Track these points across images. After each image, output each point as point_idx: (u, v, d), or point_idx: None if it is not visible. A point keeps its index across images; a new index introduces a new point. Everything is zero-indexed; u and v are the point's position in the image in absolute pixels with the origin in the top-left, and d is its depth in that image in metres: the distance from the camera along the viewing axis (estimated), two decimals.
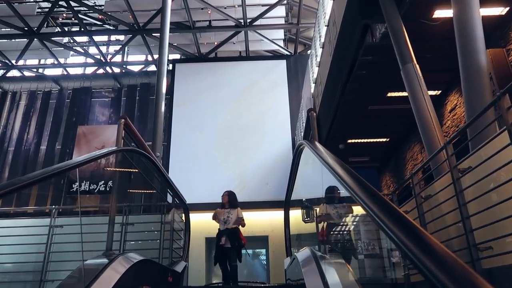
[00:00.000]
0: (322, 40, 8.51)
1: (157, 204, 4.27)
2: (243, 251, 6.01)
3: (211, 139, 15.50)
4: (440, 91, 7.30)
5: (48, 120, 17.14)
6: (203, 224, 14.76)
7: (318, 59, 9.19)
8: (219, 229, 5.90)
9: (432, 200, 3.36)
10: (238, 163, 15.17)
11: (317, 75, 9.52)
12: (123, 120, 2.49)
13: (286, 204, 3.58)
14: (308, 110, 2.50)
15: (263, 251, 15.65)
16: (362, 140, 9.28)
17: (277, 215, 14.77)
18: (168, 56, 18.75)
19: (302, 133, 12.53)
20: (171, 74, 16.61)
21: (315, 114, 2.54)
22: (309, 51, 15.78)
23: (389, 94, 7.23)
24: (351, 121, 8.32)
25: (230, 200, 6.14)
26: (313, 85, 10.12)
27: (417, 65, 4.32)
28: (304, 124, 11.59)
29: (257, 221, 14.49)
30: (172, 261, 3.62)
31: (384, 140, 9.36)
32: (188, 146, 15.49)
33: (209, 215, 14.55)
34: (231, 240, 5.67)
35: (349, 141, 9.26)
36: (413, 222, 1.01)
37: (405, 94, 7.17)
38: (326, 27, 7.89)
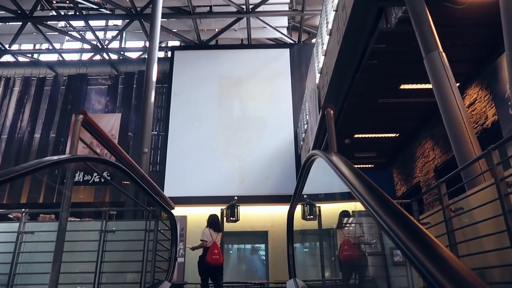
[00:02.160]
0: (330, 26, 7.88)
1: (139, 209, 3.71)
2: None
3: (210, 130, 14.95)
4: (457, 84, 6.70)
5: (43, 108, 16.57)
6: (200, 218, 14.32)
7: (325, 47, 8.58)
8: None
9: (464, 216, 2.81)
10: (238, 155, 14.64)
11: (323, 64, 8.91)
12: (80, 116, 1.92)
13: (289, 218, 3.03)
14: (323, 107, 1.92)
15: (262, 246, 15.20)
16: (370, 135, 8.71)
17: (277, 210, 14.29)
18: (167, 43, 18.20)
19: (306, 130, 11.95)
20: (170, 61, 16.01)
21: (332, 112, 1.97)
22: (314, 40, 15.13)
23: (403, 86, 6.64)
24: (359, 115, 7.75)
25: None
26: (318, 75, 9.51)
27: (444, 53, 3.73)
28: (309, 122, 11.00)
29: (256, 216, 14.02)
30: (154, 281, 3.10)
31: (393, 135, 8.78)
32: (186, 137, 14.94)
33: (207, 209, 14.13)
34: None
35: (356, 136, 8.70)
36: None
37: (420, 86, 6.60)
38: (334, 12, 7.26)
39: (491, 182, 2.41)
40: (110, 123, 15.60)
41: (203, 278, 6.33)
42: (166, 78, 16.11)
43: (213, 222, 6.74)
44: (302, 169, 2.33)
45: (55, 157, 1.64)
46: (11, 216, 9.46)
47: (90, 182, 14.57)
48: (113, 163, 2.24)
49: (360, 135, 8.71)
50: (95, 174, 14.57)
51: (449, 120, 3.39)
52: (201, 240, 6.58)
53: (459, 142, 3.25)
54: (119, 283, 3.59)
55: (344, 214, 6.49)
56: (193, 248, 6.74)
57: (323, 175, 2.52)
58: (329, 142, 1.83)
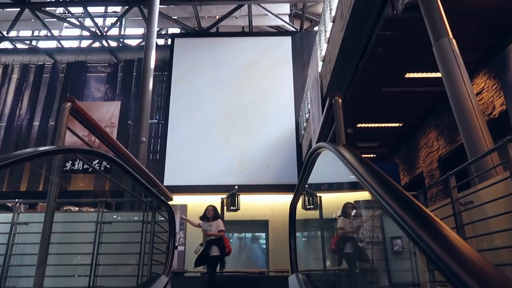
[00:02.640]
0: (333, 13, 7.69)
1: (137, 200, 3.59)
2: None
3: (210, 119, 14.80)
4: None
5: (42, 95, 16.41)
6: (201, 206, 14.25)
7: (328, 35, 8.38)
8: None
9: (474, 210, 2.69)
10: (239, 144, 14.52)
11: (325, 52, 8.73)
12: (68, 104, 1.79)
13: (291, 211, 2.90)
14: (330, 95, 1.77)
15: (263, 235, 15.18)
16: (373, 125, 8.57)
17: (278, 199, 14.23)
18: (167, 30, 17.93)
19: (308, 119, 11.79)
20: (170, 49, 15.79)
21: (340, 100, 1.83)
22: (316, 28, 14.88)
23: (408, 75, 6.47)
24: (362, 104, 7.59)
25: (215, 214, 6.88)
26: (320, 64, 9.33)
27: (454, 40, 3.57)
28: (311, 111, 10.84)
29: (257, 205, 13.97)
30: (151, 275, 2.99)
31: (396, 125, 8.64)
32: (187, 126, 14.81)
33: (207, 198, 14.06)
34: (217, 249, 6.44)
35: (359, 125, 8.55)
36: None
37: (427, 75, 6.43)
38: None
39: (505, 175, 2.28)
40: (110, 111, 15.46)
41: None
42: (166, 66, 15.91)
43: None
44: (307, 162, 2.20)
45: (40, 149, 1.51)
46: (9, 205, 9.39)
47: (90, 170, 14.47)
48: (104, 155, 2.11)
49: (363, 125, 8.56)
50: (94, 162, 14.48)
51: (459, 110, 3.25)
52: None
53: (469, 133, 3.12)
54: (115, 275, 3.50)
55: (350, 205, 6.47)
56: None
57: (327, 166, 2.39)
58: (336, 133, 1.70)
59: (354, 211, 6.14)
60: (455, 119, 3.33)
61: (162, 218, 3.47)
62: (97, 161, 14.58)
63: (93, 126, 2.03)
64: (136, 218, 3.58)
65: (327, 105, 1.92)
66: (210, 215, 6.79)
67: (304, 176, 2.42)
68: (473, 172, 2.98)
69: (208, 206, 7.13)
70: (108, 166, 14.56)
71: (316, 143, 2.09)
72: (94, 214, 3.66)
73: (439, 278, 3.30)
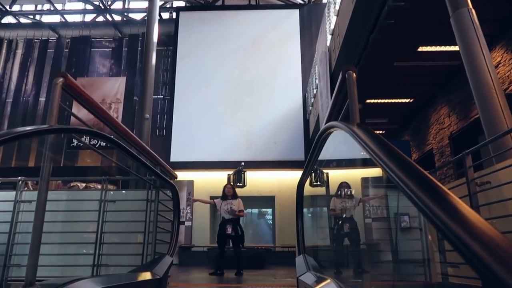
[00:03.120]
0: None
1: (141, 178, 3.51)
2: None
3: (217, 94, 14.62)
4: None
5: (47, 71, 16.28)
6: (207, 183, 14.32)
7: (337, 7, 8.08)
8: (223, 217, 6.52)
9: (491, 191, 2.57)
10: (245, 120, 14.39)
11: (334, 25, 8.44)
12: (60, 79, 1.66)
13: (299, 191, 2.80)
14: (343, 69, 1.63)
15: (269, 211, 15.25)
16: (383, 101, 8.35)
17: (284, 175, 14.20)
18: (172, 3, 17.53)
19: (315, 95, 11.57)
20: (175, 23, 15.48)
21: (354, 75, 1.68)
22: (325, 0, 14.42)
23: (421, 49, 6.23)
24: (372, 79, 7.37)
25: (234, 192, 6.79)
26: (329, 37, 9.05)
27: (473, 10, 3.35)
28: (319, 86, 10.60)
29: (263, 181, 13.97)
30: (155, 255, 2.94)
31: (407, 101, 8.42)
32: (193, 102, 14.67)
33: (214, 174, 14.06)
34: (235, 229, 6.37)
35: (368, 101, 8.34)
36: None
37: (441, 48, 6.18)
38: None
39: None
40: (115, 87, 15.33)
41: None
42: (171, 41, 15.63)
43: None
44: (316, 142, 2.07)
45: (29, 128, 1.40)
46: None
47: (97, 146, 14.48)
48: (99, 134, 1.99)
49: (372, 101, 8.36)
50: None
51: (477, 85, 3.07)
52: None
53: (487, 110, 2.95)
54: (120, 254, 3.46)
55: (344, 185, 6.43)
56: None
57: (338, 146, 2.27)
58: (350, 111, 1.57)
59: (348, 190, 6.07)
60: (472, 94, 3.16)
61: (167, 197, 3.39)
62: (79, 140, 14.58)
63: (88, 102, 1.91)
64: (141, 196, 3.50)
65: (339, 80, 1.77)
66: (229, 193, 6.70)
67: (313, 156, 2.30)
68: (491, 151, 2.84)
69: (226, 185, 7.05)
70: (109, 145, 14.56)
71: (326, 121, 1.96)
72: (98, 192, 3.60)
73: (450, 259, 3.21)
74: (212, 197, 14.03)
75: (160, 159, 3.10)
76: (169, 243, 3.04)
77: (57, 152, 15.31)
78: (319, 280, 1.71)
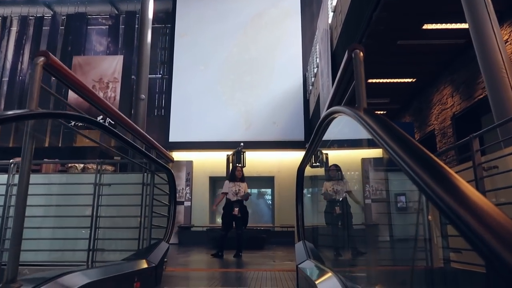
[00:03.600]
0: None
1: (138, 161, 3.40)
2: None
3: (215, 73, 14.40)
4: None
5: (42, 48, 15.97)
6: (206, 163, 14.26)
7: None
8: (227, 198, 6.44)
9: (498, 176, 2.46)
10: (244, 100, 14.21)
11: (336, 2, 8.19)
12: (41, 58, 1.53)
13: (299, 175, 2.69)
14: (350, 48, 1.49)
15: (268, 191, 15.25)
16: (384, 80, 8.18)
17: (284, 156, 14.13)
18: None
19: (316, 74, 11.36)
20: (173, 0, 15.09)
21: (362, 54, 1.55)
22: None
23: (426, 26, 6.02)
24: (374, 59, 7.17)
25: (243, 175, 6.74)
26: (331, 14, 8.80)
27: None
28: (320, 65, 10.40)
29: (263, 162, 13.91)
30: (150, 242, 2.85)
31: (409, 80, 8.24)
32: (191, 81, 14.46)
33: (213, 154, 13.97)
34: (241, 211, 6.36)
35: (369, 81, 8.16)
36: None
37: (447, 26, 5.99)
38: None
39: None
40: (112, 66, 15.07)
41: None
42: (169, 18, 15.29)
43: None
44: (318, 128, 1.95)
45: (9, 113, 1.28)
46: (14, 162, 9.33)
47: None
48: (87, 119, 1.87)
49: (373, 80, 8.18)
50: (99, 118, 14.29)
51: (486, 65, 2.92)
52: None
53: (497, 91, 2.81)
54: (115, 239, 3.39)
55: (333, 168, 6.42)
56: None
57: (341, 129, 2.15)
58: (356, 94, 1.44)
59: (338, 173, 6.03)
60: (477, 74, 3.01)
61: (164, 181, 3.29)
62: (101, 117, 14.43)
63: (75, 84, 1.78)
64: (136, 180, 3.40)
65: (345, 60, 1.64)
66: (239, 175, 6.63)
67: (314, 142, 2.19)
68: (499, 135, 2.72)
69: (237, 167, 6.97)
70: (113, 122, 14.44)
71: (329, 105, 1.83)
72: (92, 175, 3.50)
73: (453, 245, 3.14)
74: (211, 177, 14.03)
75: (156, 142, 2.98)
76: (166, 228, 2.95)
77: (55, 133, 15.18)
78: (320, 273, 1.63)
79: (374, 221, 7.97)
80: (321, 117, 1.81)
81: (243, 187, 6.53)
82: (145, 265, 2.19)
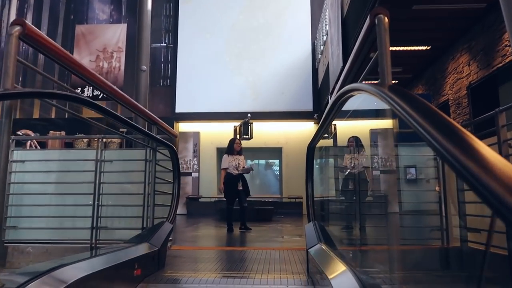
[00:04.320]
0: None
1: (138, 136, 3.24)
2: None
3: (221, 42, 14.01)
4: None
5: (45, 17, 15.64)
6: (214, 134, 14.13)
7: None
8: (229, 173, 6.25)
9: None
10: (251, 69, 13.88)
11: None
12: (16, 28, 1.33)
13: (309, 153, 2.51)
14: (372, 12, 1.28)
15: (276, 162, 15.16)
16: (398, 48, 7.82)
17: (292, 127, 13.93)
18: None
19: (325, 42, 10.95)
20: None
21: (387, 20, 1.34)
22: None
23: None
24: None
25: (241, 148, 6.60)
26: None
27: None
28: (330, 33, 9.99)
29: (270, 133, 13.74)
30: (153, 222, 2.73)
31: (423, 48, 7.88)
32: (197, 50, 14.11)
33: (220, 125, 13.82)
34: (243, 184, 6.28)
35: None
36: None
37: None
38: None
39: None
40: (116, 35, 14.70)
41: None
42: None
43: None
44: (333, 106, 1.74)
45: None
46: (20, 133, 9.24)
47: (100, 97, 14.17)
48: (72, 96, 1.68)
49: None
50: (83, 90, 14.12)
51: None
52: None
53: None
54: (118, 217, 3.29)
55: (350, 139, 6.14)
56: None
57: (357, 105, 1.96)
58: (380, 68, 1.24)
59: (355, 147, 5.79)
60: (497, 41, 2.75)
61: (167, 157, 3.14)
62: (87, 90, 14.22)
63: (55, 53, 1.59)
64: (139, 156, 3.26)
65: (366, 27, 1.42)
66: (238, 148, 6.48)
67: (327, 121, 2.00)
68: None
69: (236, 140, 6.70)
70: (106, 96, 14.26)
71: (344, 79, 1.63)
72: (94, 151, 3.36)
73: (471, 225, 2.99)
74: (219, 148, 13.92)
75: (156, 117, 2.81)
76: (169, 208, 2.83)
77: (61, 103, 15.03)
78: (333, 266, 1.49)
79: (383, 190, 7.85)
80: (337, 95, 1.61)
81: (241, 160, 6.42)
82: (146, 250, 2.07)
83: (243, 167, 6.39)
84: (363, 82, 1.37)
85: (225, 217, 6.22)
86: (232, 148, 6.42)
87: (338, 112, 1.73)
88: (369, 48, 1.50)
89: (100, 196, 3.33)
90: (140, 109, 2.40)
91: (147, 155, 3.16)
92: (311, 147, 2.46)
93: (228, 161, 6.31)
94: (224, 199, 6.50)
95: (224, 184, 6.25)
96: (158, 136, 2.93)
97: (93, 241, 3.30)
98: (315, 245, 2.18)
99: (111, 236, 3.36)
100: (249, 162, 14.73)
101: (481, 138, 3.81)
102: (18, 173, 3.44)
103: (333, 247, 2.11)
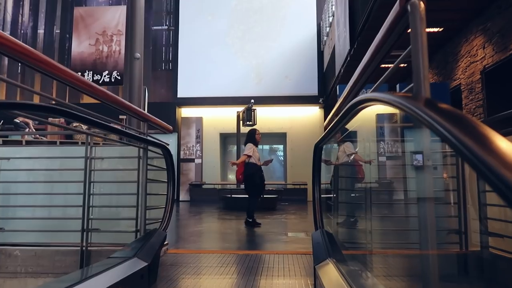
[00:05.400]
0: None
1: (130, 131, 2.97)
2: None
3: (223, 24, 13.59)
4: None
5: (43, 0, 15.24)
6: (217, 119, 13.85)
7: None
8: (253, 164, 5.89)
9: None
10: (255, 52, 13.48)
11: None
12: None
13: (316, 153, 2.24)
14: None
15: (281, 147, 14.91)
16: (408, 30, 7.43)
17: (296, 112, 13.61)
18: None
19: (331, 24, 10.51)
20: None
21: (423, 5, 1.04)
22: None
23: None
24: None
25: None
26: None
27: None
28: (336, 14, 9.58)
29: (274, 117, 13.45)
30: (145, 230, 2.47)
31: (435, 30, 7.47)
32: (199, 32, 13.71)
33: (223, 110, 13.52)
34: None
35: None
36: None
37: None
38: None
39: None
40: (116, 17, 14.30)
41: None
42: None
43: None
44: (344, 115, 1.46)
45: None
46: (18, 121, 9.01)
47: (100, 82, 13.88)
48: (48, 108, 1.36)
49: None
50: (104, 73, 13.81)
51: None
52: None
53: None
54: (110, 219, 3.06)
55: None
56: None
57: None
58: (415, 73, 0.95)
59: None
60: None
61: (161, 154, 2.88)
62: (106, 72, 13.93)
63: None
64: (132, 153, 3.01)
65: (394, 15, 1.12)
66: (259, 140, 6.20)
67: (336, 128, 1.72)
68: None
69: (257, 131, 6.28)
70: (119, 78, 13.95)
71: (357, 81, 1.34)
72: (83, 148, 3.11)
73: (492, 229, 2.74)
74: (222, 133, 13.66)
75: (147, 114, 2.53)
76: (163, 215, 2.58)
77: (61, 87, 14.79)
78: None
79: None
80: (352, 103, 1.32)
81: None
82: (133, 268, 1.83)
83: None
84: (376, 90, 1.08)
85: (250, 212, 5.72)
86: (255, 140, 6.06)
87: (350, 120, 1.47)
88: (392, 43, 1.22)
89: (91, 196, 3.10)
90: (127, 106, 2.13)
91: (140, 152, 2.90)
92: (319, 146, 2.19)
93: (254, 151, 5.96)
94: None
95: (249, 177, 5.85)
96: (151, 135, 2.67)
97: (84, 244, 3.09)
98: (324, 260, 1.94)
99: (104, 239, 3.14)
100: None
101: (505, 134, 3.52)
102: (3, 171, 3.21)
103: (344, 263, 1.86)
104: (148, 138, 2.43)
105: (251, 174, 5.82)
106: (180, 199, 13.15)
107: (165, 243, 2.95)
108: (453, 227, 3.06)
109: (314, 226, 2.34)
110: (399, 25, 1.11)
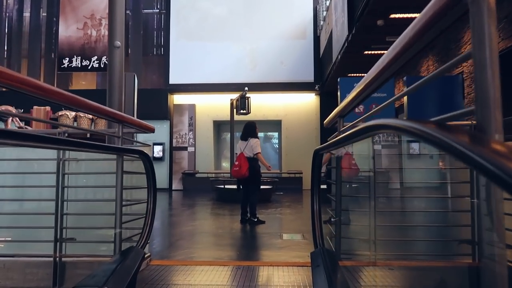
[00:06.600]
0: None
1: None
2: None
3: (217, 7, 13.10)
4: None
5: None
6: (210, 106, 13.48)
7: None
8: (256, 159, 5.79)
9: None
10: (249, 37, 13.05)
11: None
12: None
13: (315, 160, 1.94)
14: None
15: (275, 134, 14.60)
16: (410, 15, 7.08)
17: (291, 99, 13.26)
18: None
19: (328, 7, 10.07)
20: None
21: None
22: None
23: None
24: None
25: None
26: None
27: None
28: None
29: (269, 104, 13.11)
30: (121, 248, 2.17)
31: None
32: (191, 16, 13.23)
33: (216, 97, 13.13)
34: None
35: (392, 16, 7.08)
36: None
37: None
38: None
39: None
40: (104, 0, 13.71)
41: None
42: None
43: (242, 131, 5.86)
44: (354, 135, 1.15)
45: None
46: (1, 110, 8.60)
47: (89, 67, 13.41)
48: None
49: (397, 15, 7.09)
50: (93, 59, 13.32)
51: None
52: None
53: None
54: (85, 228, 2.76)
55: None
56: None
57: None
58: (479, 95, 0.62)
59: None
60: None
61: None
62: (95, 57, 13.43)
63: None
64: (110, 155, 2.69)
65: (438, 7, 0.79)
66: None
67: (342, 142, 1.42)
68: None
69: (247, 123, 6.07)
70: (103, 65, 13.48)
71: (358, 96, 1.02)
72: (55, 150, 2.79)
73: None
74: (215, 121, 13.32)
75: (122, 114, 2.20)
76: (141, 230, 2.27)
77: (49, 73, 14.29)
78: None
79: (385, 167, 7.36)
80: (367, 126, 1.01)
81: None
82: None
83: None
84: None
85: (253, 210, 5.51)
86: (256, 133, 5.89)
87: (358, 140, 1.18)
88: (423, 47, 0.90)
89: (65, 203, 2.79)
90: (95, 108, 1.80)
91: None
92: (319, 153, 1.89)
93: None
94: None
95: (257, 172, 5.70)
96: (135, 132, 2.34)
97: (57, 255, 2.79)
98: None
99: (80, 250, 2.85)
100: None
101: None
102: None
103: None
104: (123, 145, 2.10)
105: (258, 169, 5.71)
106: (173, 188, 12.86)
107: (147, 254, 2.66)
108: (464, 236, 2.79)
109: (314, 244, 2.05)
110: (445, 18, 0.78)
